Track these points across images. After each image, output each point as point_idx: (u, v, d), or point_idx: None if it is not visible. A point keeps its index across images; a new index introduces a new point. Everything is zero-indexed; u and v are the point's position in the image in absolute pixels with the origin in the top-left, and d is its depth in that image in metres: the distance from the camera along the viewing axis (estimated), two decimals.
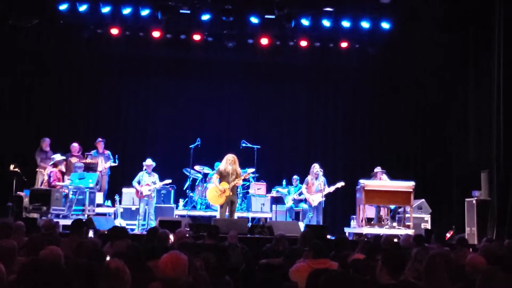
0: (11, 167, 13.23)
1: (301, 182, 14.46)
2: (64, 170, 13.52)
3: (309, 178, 13.97)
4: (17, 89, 15.23)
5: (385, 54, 16.56)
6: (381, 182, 13.48)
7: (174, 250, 4.44)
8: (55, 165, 13.14)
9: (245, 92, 17.43)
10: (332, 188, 13.81)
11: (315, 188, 13.80)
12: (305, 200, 14.15)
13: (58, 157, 13.37)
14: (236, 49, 16.48)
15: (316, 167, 13.93)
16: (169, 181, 14.10)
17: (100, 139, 14.64)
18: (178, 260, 4.14)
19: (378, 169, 14.01)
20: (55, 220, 10.42)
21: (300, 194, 14.24)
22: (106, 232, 8.53)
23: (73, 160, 14.06)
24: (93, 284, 4.00)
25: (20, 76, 15.27)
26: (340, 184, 13.86)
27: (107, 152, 14.66)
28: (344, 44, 16.55)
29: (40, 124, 15.54)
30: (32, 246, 6.03)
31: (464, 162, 15.21)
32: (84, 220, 10.52)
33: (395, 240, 9.30)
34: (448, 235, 12.53)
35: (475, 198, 13.26)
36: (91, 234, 9.32)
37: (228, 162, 12.76)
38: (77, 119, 16.27)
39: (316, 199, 13.74)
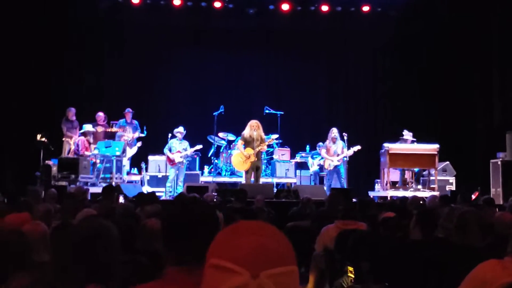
0: (38, 137, 13.37)
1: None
2: (91, 140, 13.70)
3: (326, 142, 13.98)
4: (39, 60, 15.29)
5: (407, 17, 16.38)
6: (405, 145, 13.47)
7: None
8: (84, 134, 13.33)
9: (267, 59, 17.40)
10: (349, 152, 13.78)
11: (333, 152, 13.81)
12: None
13: (88, 127, 13.57)
14: (257, 15, 16.43)
15: (334, 132, 13.90)
16: (200, 146, 14.18)
17: (129, 109, 14.72)
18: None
19: (406, 133, 13.93)
20: (84, 187, 10.60)
21: (321, 158, 14.28)
22: (135, 198, 8.64)
23: (99, 129, 14.19)
24: (132, 242, 4.11)
25: (42, 47, 15.31)
26: (357, 148, 13.81)
27: (135, 122, 14.75)
28: (365, 8, 16.44)
29: (65, 94, 15.64)
30: (66, 210, 6.17)
31: (488, 124, 15.12)
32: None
33: (421, 202, 9.33)
34: (473, 196, 12.52)
35: (500, 159, 13.22)
36: (121, 200, 9.47)
37: (252, 128, 12.82)
38: (100, 89, 16.37)
39: (334, 162, 13.75)
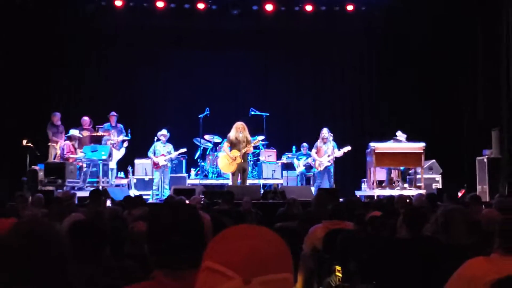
0: (24, 142, 13.33)
1: (310, 149, 14.54)
2: (77, 145, 13.67)
3: (317, 142, 14.04)
4: (23, 66, 15.20)
5: (392, 17, 16.45)
6: (391, 144, 13.50)
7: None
8: (69, 138, 13.30)
9: (252, 60, 17.41)
10: (339, 153, 13.84)
11: (323, 152, 13.86)
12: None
13: (74, 132, 13.54)
14: (241, 16, 16.42)
15: (324, 132, 13.97)
16: (184, 150, 14.22)
17: (113, 112, 14.70)
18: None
19: (400, 134, 13.96)
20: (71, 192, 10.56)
21: (313, 160, 14.30)
22: (122, 202, 8.61)
23: (85, 133, 14.16)
24: (120, 246, 4.11)
25: (26, 52, 15.22)
26: (347, 149, 13.90)
27: (120, 125, 14.72)
28: (350, 7, 16.45)
29: (49, 99, 15.57)
30: (54, 215, 6.15)
31: (474, 122, 15.23)
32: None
33: (407, 200, 9.37)
34: (459, 194, 12.59)
35: (486, 156, 13.31)
36: (108, 203, 9.44)
37: (238, 130, 12.82)
38: (85, 93, 16.33)
39: (324, 162, 13.80)
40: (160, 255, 2.14)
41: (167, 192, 13.29)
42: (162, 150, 13.88)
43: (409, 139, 13.65)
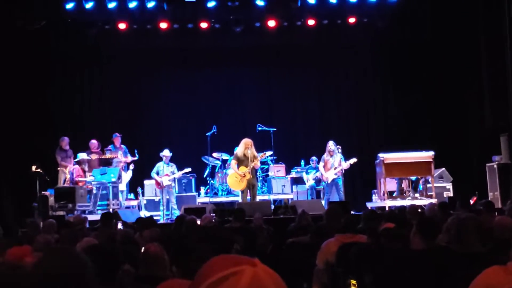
0: (33, 168, 13.37)
1: (319, 162, 14.51)
2: (86, 169, 13.70)
3: (324, 155, 14.01)
4: (27, 91, 15.28)
5: (394, 27, 16.47)
6: (400, 154, 13.45)
7: None
8: (79, 163, 13.35)
9: (256, 76, 17.43)
10: (345, 165, 13.80)
11: (330, 165, 13.83)
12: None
13: (83, 155, 13.60)
14: (244, 33, 16.45)
15: (330, 145, 13.93)
16: (189, 169, 14.22)
17: (117, 134, 14.75)
18: None
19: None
20: (82, 215, 10.58)
21: (320, 173, 14.27)
22: (134, 224, 8.62)
23: (93, 156, 14.19)
24: (134, 269, 4.10)
25: (30, 78, 15.32)
26: (353, 161, 13.85)
27: (123, 147, 14.75)
28: (352, 20, 16.43)
29: (56, 124, 15.63)
30: (66, 240, 6.15)
31: (481, 128, 15.19)
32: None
33: (419, 210, 9.34)
34: (471, 201, 12.55)
35: (496, 163, 13.26)
36: (120, 226, 9.44)
37: (247, 147, 12.84)
38: (92, 116, 16.38)
39: (330, 176, 13.77)
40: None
41: (176, 212, 13.28)
42: (166, 170, 13.87)
43: (416, 148, 13.55)
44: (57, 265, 2.24)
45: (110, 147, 14.69)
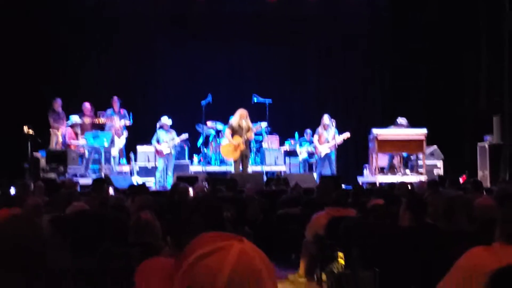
0: (25, 129, 13.28)
1: (313, 135, 14.53)
2: (79, 131, 13.64)
3: (319, 129, 14.03)
4: (24, 53, 15.18)
5: (395, 4, 16.42)
6: (393, 130, 13.53)
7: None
8: (71, 126, 13.31)
9: (254, 46, 17.29)
10: (339, 139, 13.83)
11: (324, 139, 13.86)
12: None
13: (75, 118, 13.52)
14: (243, 2, 16.37)
15: (325, 118, 13.94)
16: (186, 135, 14.18)
17: (116, 97, 14.61)
18: None
19: (400, 120, 13.96)
20: (74, 179, 10.59)
21: (314, 146, 14.31)
22: (126, 190, 8.63)
23: (86, 120, 14.10)
24: (124, 235, 4.13)
25: (27, 41, 15.20)
26: (346, 135, 13.89)
27: (124, 111, 14.66)
28: None
29: (50, 85, 15.52)
30: (56, 203, 6.17)
31: (475, 108, 15.23)
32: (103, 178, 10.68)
33: (409, 187, 9.40)
34: (461, 180, 12.63)
35: (487, 142, 13.33)
36: (111, 191, 9.46)
37: (242, 117, 12.83)
38: (87, 80, 16.26)
39: (324, 150, 13.81)
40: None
41: (170, 179, 13.30)
42: (166, 138, 13.88)
43: (410, 125, 13.63)
44: (9, 235, 2.23)
45: (107, 110, 14.54)
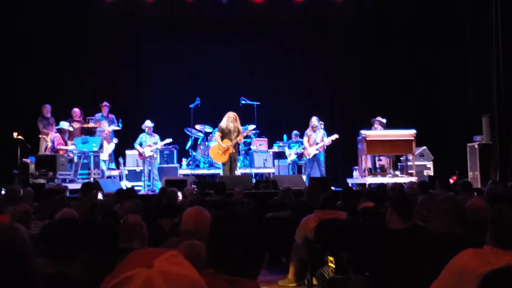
0: (15, 134, 13.25)
1: (301, 137, 14.53)
2: (67, 137, 13.61)
3: (307, 131, 14.03)
4: (10, 58, 15.10)
5: (381, 4, 16.46)
6: (382, 131, 13.54)
7: (197, 206, 4.50)
8: (60, 131, 13.26)
9: (241, 49, 17.28)
10: (327, 141, 13.84)
11: (312, 141, 13.86)
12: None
13: (64, 124, 13.49)
14: (231, 5, 16.35)
15: (313, 120, 13.95)
16: (170, 140, 14.17)
17: (105, 103, 14.64)
18: (201, 214, 4.19)
19: (376, 119, 14.06)
20: (63, 184, 10.53)
21: (303, 148, 14.30)
22: (114, 194, 8.58)
23: (75, 125, 14.10)
24: (114, 241, 4.09)
25: (13, 44, 15.12)
26: (334, 137, 13.89)
27: (112, 116, 14.67)
28: None
29: (39, 91, 15.45)
30: (45, 210, 6.12)
31: (464, 108, 15.28)
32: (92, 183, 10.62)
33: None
34: (451, 181, 12.65)
35: (477, 143, 13.35)
36: (100, 196, 9.42)
37: (230, 119, 12.82)
38: (75, 85, 16.21)
39: (312, 151, 13.81)
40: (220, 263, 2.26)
41: (157, 183, 13.28)
42: (149, 141, 13.86)
43: (398, 126, 13.59)
44: None
45: (96, 115, 14.55)
